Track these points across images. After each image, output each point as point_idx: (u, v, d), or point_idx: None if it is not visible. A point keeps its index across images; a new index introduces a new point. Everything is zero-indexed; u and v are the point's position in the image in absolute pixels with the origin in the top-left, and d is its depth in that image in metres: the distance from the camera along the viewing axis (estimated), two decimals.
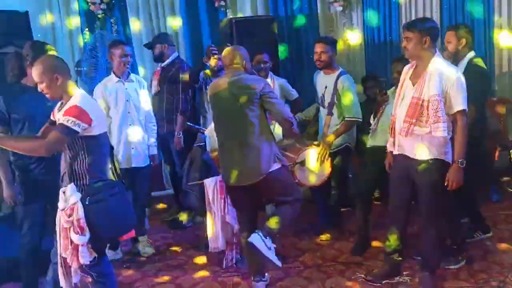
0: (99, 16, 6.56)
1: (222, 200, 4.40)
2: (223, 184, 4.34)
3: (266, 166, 3.85)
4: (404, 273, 4.18)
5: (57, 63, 3.34)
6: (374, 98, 5.03)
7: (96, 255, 3.29)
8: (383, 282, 4.12)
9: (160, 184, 6.78)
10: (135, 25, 6.72)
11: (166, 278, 4.48)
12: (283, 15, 6.83)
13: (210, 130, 4.74)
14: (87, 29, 6.56)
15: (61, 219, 3.27)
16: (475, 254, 4.48)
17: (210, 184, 4.45)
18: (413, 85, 3.71)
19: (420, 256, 4.17)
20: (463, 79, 3.63)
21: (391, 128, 3.91)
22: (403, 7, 6.66)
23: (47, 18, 6.56)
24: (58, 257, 3.38)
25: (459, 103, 3.60)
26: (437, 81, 3.58)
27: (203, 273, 4.52)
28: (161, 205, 6.40)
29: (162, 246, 5.17)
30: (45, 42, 4.19)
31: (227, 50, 4.06)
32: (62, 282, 3.43)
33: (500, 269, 4.21)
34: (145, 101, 4.99)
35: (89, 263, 3.25)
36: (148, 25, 6.76)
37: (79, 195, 3.22)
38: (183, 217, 5.63)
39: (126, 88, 4.80)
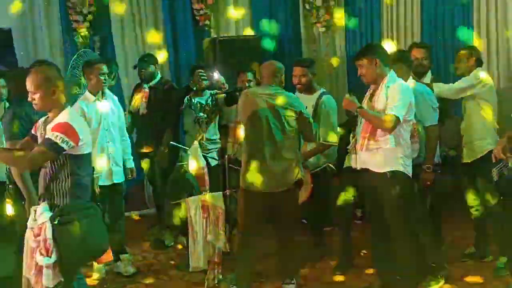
0: (82, 34, 6.56)
1: (204, 219, 4.39)
2: (205, 203, 4.37)
3: (294, 177, 4.14)
4: None
5: (57, 74, 3.22)
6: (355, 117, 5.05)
7: (63, 279, 3.07)
8: None
9: (142, 203, 6.74)
10: (119, 43, 6.72)
11: None
12: (268, 35, 6.86)
13: (193, 149, 4.74)
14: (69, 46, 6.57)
15: (28, 238, 3.14)
16: (455, 273, 4.49)
17: (193, 203, 4.44)
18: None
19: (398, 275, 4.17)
20: (403, 88, 3.80)
21: (354, 145, 4.06)
22: (385, 27, 6.75)
23: (29, 35, 6.55)
24: (23, 278, 3.20)
25: (390, 107, 3.72)
26: (383, 95, 3.79)
27: None
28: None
29: (143, 266, 5.11)
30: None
31: (267, 63, 4.35)
32: None
33: None
34: (120, 117, 5.03)
35: (53, 286, 3.05)
36: (132, 43, 6.78)
37: (49, 214, 3.06)
38: (166, 236, 5.59)
39: (102, 106, 4.80)
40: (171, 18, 6.88)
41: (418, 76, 4.62)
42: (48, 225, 3.03)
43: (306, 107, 4.85)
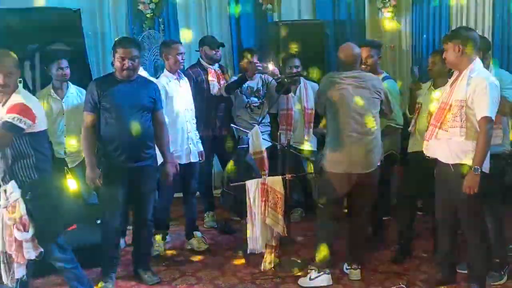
0: (148, 15, 6.64)
1: (263, 203, 4.39)
2: (264, 186, 4.39)
3: (378, 159, 4.22)
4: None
5: (16, 59, 3.44)
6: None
7: (42, 250, 3.42)
8: None
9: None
10: (184, 25, 6.77)
11: (204, 278, 4.48)
12: (330, 19, 6.76)
13: (254, 132, 4.73)
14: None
15: (3, 216, 3.38)
16: None
17: (252, 185, 4.45)
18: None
19: (467, 268, 4.06)
20: (492, 87, 3.58)
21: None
22: (454, 12, 6.51)
23: (96, 17, 6.68)
24: (1, 254, 3.46)
25: (481, 110, 3.57)
26: (463, 86, 3.63)
27: (241, 275, 4.51)
28: None
29: None
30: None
31: (346, 47, 4.30)
32: (4, 278, 3.50)
33: None
34: (192, 99, 5.04)
35: (34, 258, 3.41)
36: (197, 26, 6.81)
37: (19, 191, 3.32)
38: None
39: (181, 86, 4.86)
40: (235, 1, 6.85)
41: None
42: (21, 202, 3.29)
43: None
